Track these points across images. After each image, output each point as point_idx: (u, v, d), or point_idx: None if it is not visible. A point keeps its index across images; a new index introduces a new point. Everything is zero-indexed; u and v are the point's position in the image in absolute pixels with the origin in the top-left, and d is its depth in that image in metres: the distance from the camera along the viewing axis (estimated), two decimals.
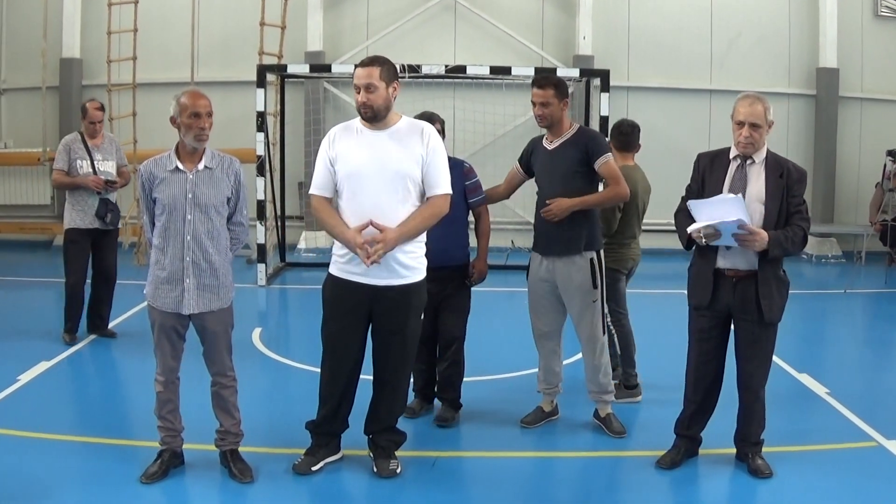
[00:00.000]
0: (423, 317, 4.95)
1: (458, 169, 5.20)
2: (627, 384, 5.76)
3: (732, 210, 4.22)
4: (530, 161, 5.21)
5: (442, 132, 5.16)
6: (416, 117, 4.97)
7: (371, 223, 4.20)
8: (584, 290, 5.00)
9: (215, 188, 4.31)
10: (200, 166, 4.30)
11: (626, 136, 5.77)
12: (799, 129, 12.83)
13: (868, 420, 5.39)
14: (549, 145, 5.08)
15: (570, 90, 11.59)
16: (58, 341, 7.02)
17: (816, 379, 6.30)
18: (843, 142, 12.84)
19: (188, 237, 4.26)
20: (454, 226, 5.10)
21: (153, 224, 4.37)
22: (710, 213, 4.29)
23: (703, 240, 4.32)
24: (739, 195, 4.29)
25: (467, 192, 5.21)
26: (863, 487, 4.44)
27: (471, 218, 5.39)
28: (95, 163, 7.04)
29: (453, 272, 5.21)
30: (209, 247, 4.29)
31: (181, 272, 4.26)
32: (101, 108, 7.25)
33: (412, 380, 5.26)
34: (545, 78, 5.08)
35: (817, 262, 12.27)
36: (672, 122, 12.52)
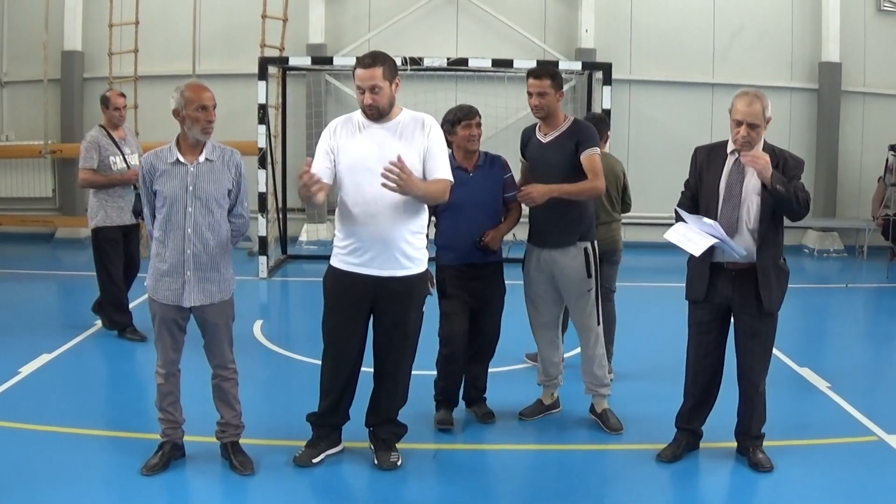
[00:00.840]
0: (458, 317, 4.90)
1: (498, 162, 5.18)
2: None
3: (711, 230, 4.28)
4: (525, 152, 5.20)
5: (479, 125, 5.11)
6: (454, 109, 5.02)
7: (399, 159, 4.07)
8: (579, 279, 4.99)
9: (216, 180, 4.30)
10: (201, 159, 4.29)
11: (595, 127, 5.87)
12: (801, 123, 12.79)
13: (869, 414, 5.39)
14: (543, 138, 5.05)
15: (571, 83, 11.69)
16: (59, 334, 6.98)
17: (817, 373, 6.30)
18: (846, 136, 12.79)
19: (189, 230, 4.25)
20: (494, 220, 5.07)
21: (154, 216, 4.36)
22: (693, 224, 4.35)
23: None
24: (717, 223, 4.29)
25: (506, 186, 5.12)
26: (863, 482, 4.44)
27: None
28: (126, 157, 6.82)
29: (493, 268, 5.13)
30: (210, 239, 4.29)
31: (182, 265, 4.26)
32: (123, 95, 7.02)
33: (440, 388, 5.11)
34: (542, 68, 5.08)
35: (819, 256, 12.26)
36: (674, 116, 12.50)
